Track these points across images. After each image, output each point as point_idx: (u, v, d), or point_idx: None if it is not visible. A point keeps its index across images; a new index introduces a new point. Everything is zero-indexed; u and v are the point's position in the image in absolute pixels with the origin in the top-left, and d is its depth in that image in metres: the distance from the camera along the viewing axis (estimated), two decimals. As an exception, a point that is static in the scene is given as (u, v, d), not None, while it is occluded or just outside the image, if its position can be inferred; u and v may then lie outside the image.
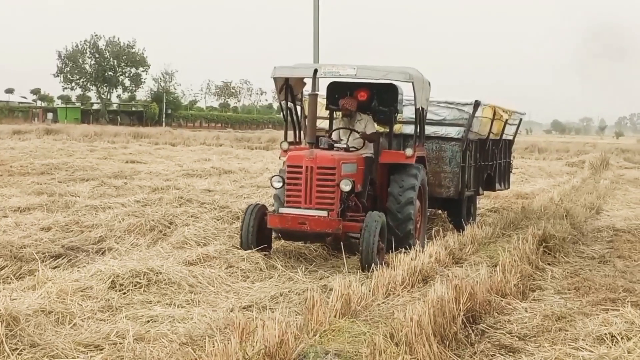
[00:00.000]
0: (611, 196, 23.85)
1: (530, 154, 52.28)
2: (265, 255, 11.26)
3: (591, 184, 27.87)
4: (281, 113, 13.38)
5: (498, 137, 17.01)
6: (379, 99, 13.14)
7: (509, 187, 19.47)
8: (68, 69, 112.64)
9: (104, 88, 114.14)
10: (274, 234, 11.95)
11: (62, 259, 11.00)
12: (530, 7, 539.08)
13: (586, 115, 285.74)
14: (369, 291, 8.73)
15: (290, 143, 12.94)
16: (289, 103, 13.05)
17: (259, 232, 11.47)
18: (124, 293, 8.97)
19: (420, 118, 12.88)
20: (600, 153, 42.44)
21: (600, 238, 14.92)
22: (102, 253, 11.67)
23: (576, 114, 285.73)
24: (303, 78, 13.10)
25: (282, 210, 11.40)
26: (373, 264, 10.60)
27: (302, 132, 13.46)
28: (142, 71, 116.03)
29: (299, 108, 13.65)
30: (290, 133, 13.61)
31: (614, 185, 28.23)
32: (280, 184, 11.72)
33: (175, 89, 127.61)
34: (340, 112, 13.22)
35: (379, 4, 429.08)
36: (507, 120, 16.82)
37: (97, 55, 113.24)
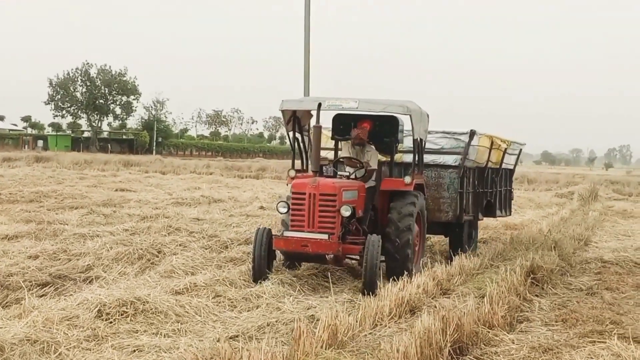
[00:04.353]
0: (600, 228, 23.89)
1: (519, 185, 52.21)
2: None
3: (580, 216, 27.94)
4: (288, 142, 14.14)
5: (497, 166, 17.71)
6: (381, 129, 13.80)
7: (510, 214, 20.28)
8: (59, 96, 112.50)
9: (95, 116, 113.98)
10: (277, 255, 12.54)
11: (49, 287, 10.98)
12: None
13: (576, 146, 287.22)
14: (356, 322, 8.74)
15: (297, 171, 13.44)
16: (297, 134, 13.72)
17: (268, 254, 12.10)
18: (111, 322, 8.94)
19: (418, 148, 13.53)
20: (590, 184, 42.45)
21: (588, 270, 14.93)
22: (90, 282, 11.65)
23: (566, 145, 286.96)
24: (310, 110, 13.56)
25: (287, 233, 12.09)
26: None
27: (309, 160, 13.91)
28: (133, 99, 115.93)
29: (306, 138, 14.20)
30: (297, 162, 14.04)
31: (602, 216, 28.26)
32: (285, 209, 12.49)
33: (166, 117, 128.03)
34: (348, 142, 13.87)
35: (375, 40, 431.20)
36: (506, 149, 17.64)
37: (88, 83, 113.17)
